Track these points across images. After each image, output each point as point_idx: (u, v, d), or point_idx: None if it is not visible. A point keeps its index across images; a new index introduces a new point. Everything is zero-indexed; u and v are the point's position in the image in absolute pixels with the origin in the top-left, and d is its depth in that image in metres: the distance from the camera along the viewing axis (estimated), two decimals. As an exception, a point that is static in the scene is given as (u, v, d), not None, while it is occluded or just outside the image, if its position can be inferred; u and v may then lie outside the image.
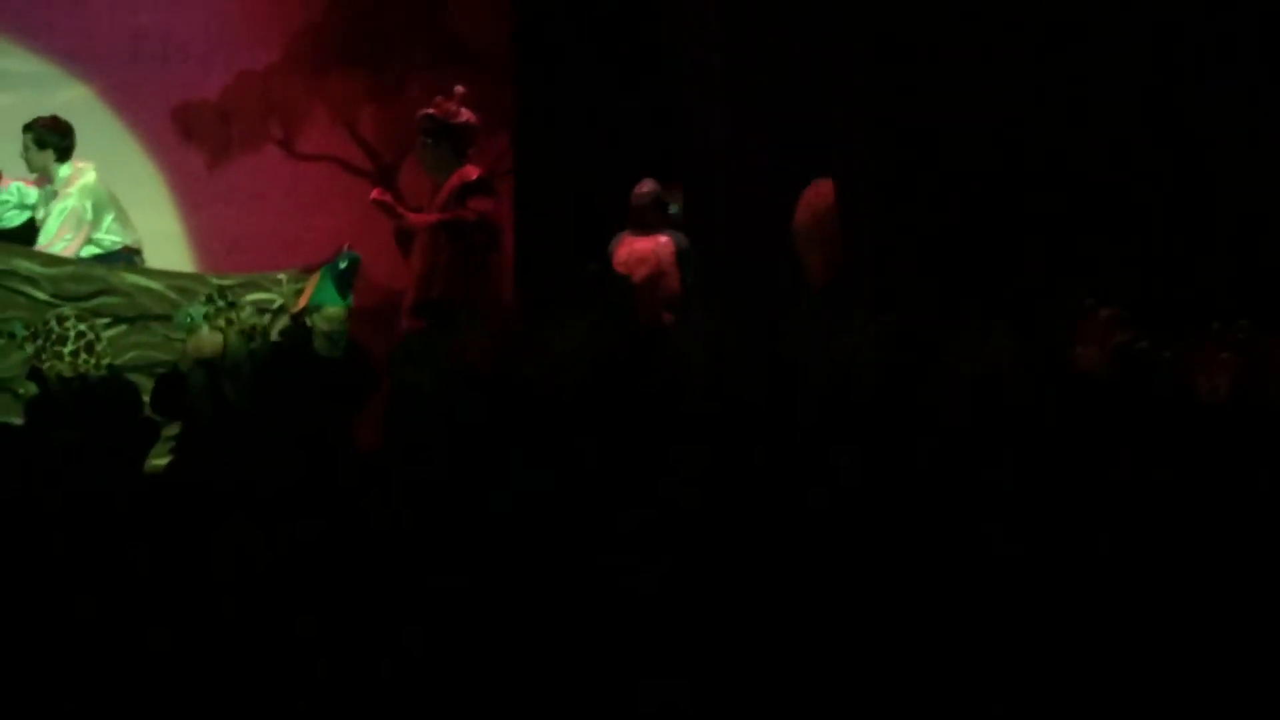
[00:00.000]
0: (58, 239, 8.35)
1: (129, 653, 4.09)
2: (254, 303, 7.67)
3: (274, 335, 7.47)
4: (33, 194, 8.52)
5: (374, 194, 8.93)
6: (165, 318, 7.92)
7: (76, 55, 9.99)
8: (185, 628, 4.14)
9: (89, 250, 8.43)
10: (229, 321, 7.05)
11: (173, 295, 8.04)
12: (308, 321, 7.36)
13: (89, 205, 8.44)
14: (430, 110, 8.81)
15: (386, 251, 8.93)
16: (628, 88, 9.99)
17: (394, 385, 7.14)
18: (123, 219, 8.58)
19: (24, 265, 7.95)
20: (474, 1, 10.61)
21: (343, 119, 10.44)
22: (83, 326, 6.80)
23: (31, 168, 8.47)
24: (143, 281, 8.16)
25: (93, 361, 6.75)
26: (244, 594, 4.27)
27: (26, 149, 8.44)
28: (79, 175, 8.45)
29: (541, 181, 10.25)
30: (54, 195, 8.46)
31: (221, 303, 7.13)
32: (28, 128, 8.48)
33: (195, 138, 10.27)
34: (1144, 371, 6.95)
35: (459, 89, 8.85)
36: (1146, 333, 6.98)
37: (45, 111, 8.77)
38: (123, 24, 10.01)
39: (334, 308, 7.33)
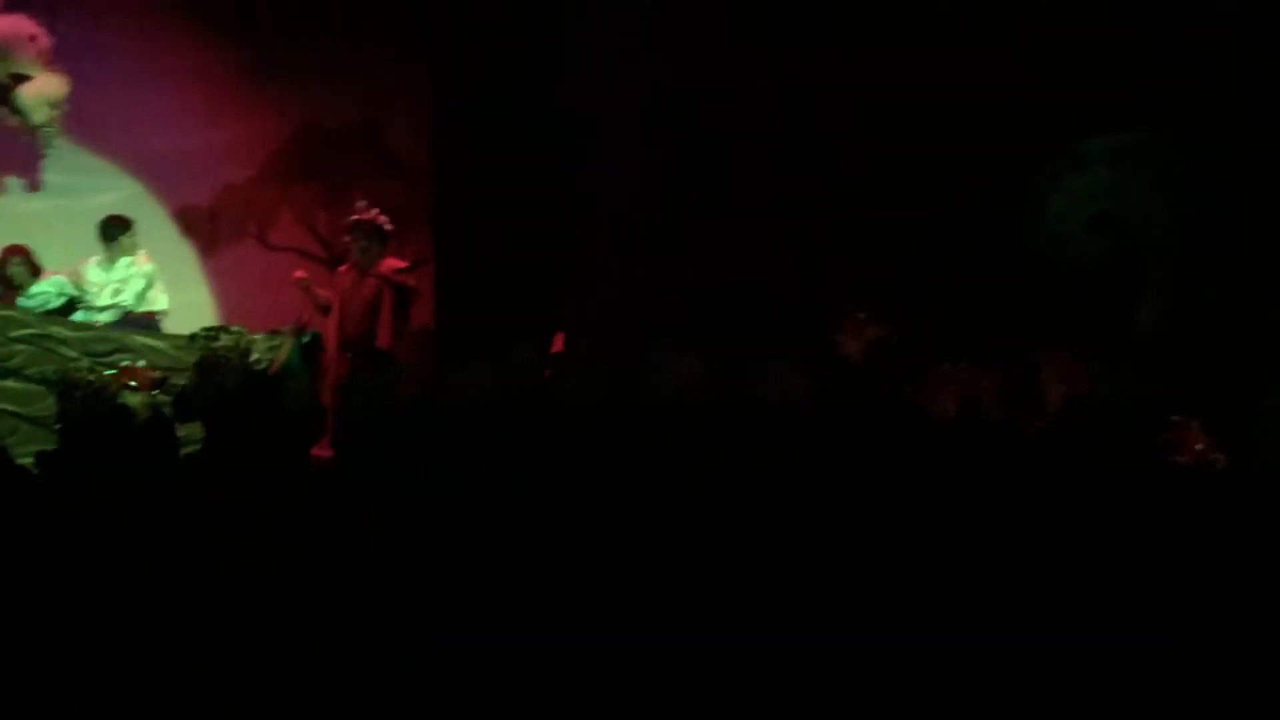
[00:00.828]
0: (146, 296, 9.71)
1: (128, 654, 4.03)
2: (227, 342, 8.08)
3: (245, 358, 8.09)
4: (69, 284, 9.65)
5: (296, 274, 10.07)
6: (168, 369, 8.59)
7: (126, 162, 11.24)
8: (181, 631, 4.07)
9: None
10: (211, 345, 7.88)
11: (172, 351, 8.95)
12: (280, 382, 8.10)
13: (153, 272, 9.90)
14: (357, 217, 9.99)
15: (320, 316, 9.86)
16: (522, 195, 10.96)
17: (348, 412, 7.58)
18: (160, 288, 9.94)
19: (57, 330, 9.05)
20: (401, 127, 11.68)
21: (303, 219, 11.51)
22: (91, 377, 7.27)
23: (131, 249, 9.84)
24: (150, 341, 9.17)
25: (97, 405, 7.02)
26: (237, 598, 4.18)
27: (135, 233, 9.90)
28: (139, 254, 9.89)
29: (455, 266, 11.29)
30: (117, 267, 9.74)
31: (205, 337, 8.07)
32: (126, 224, 9.93)
33: (192, 233, 11.46)
34: (891, 360, 7.57)
35: (361, 202, 10.10)
36: (894, 332, 7.70)
37: (107, 202, 10.54)
38: (142, 145, 11.27)
39: (299, 370, 8.34)
